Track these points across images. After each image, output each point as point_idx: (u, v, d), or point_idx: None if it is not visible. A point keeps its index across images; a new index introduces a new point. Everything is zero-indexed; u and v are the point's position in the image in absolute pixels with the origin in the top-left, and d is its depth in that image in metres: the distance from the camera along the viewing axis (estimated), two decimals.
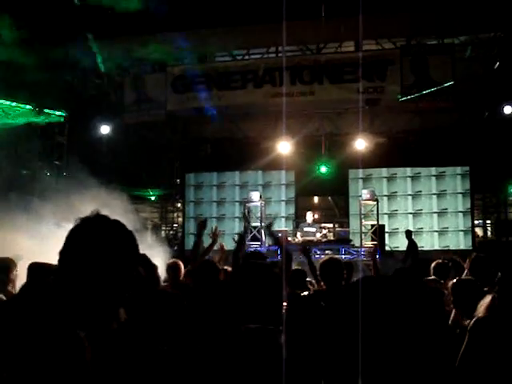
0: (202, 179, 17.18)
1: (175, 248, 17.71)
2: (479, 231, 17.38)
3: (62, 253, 1.81)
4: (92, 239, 1.80)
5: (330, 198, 17.67)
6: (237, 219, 16.66)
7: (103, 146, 15.10)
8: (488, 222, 17.54)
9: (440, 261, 6.66)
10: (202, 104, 14.26)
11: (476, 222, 16.81)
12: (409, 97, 12.98)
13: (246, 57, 14.79)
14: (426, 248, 15.53)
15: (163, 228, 19.40)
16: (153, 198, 17.60)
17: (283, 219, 16.60)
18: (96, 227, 1.83)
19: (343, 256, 12.97)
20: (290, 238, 13.87)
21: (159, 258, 7.12)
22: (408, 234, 12.41)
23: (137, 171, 15.69)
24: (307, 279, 6.62)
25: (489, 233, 17.63)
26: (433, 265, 6.55)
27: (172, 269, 6.86)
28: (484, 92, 13.59)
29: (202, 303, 4.81)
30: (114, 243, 1.82)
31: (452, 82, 12.57)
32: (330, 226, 15.65)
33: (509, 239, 15.77)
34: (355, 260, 12.82)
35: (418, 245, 15.56)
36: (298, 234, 14.13)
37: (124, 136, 14.96)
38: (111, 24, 12.00)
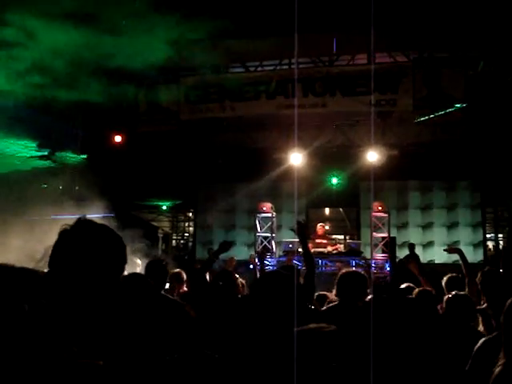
0: (213, 189, 17.26)
1: (186, 257, 17.78)
2: (491, 245, 17.32)
3: (50, 259, 1.79)
4: (79, 244, 1.80)
5: (341, 209, 17.67)
6: (246, 229, 16.70)
7: (116, 156, 15.19)
8: (500, 235, 17.48)
9: (452, 275, 6.56)
10: (214, 115, 14.34)
11: (488, 235, 16.76)
12: (423, 118, 13.00)
13: (259, 68, 14.86)
14: (437, 261, 15.49)
15: (174, 237, 19.49)
16: (164, 208, 17.66)
17: (293, 231, 16.60)
18: (82, 233, 1.83)
19: (353, 268, 12.97)
20: (300, 250, 13.87)
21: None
22: (410, 247, 12.42)
23: (149, 181, 15.77)
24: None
25: (500, 246, 17.54)
26: (445, 279, 6.46)
27: (175, 278, 6.92)
28: (496, 105, 13.56)
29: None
30: (101, 248, 1.81)
31: (465, 104, 12.58)
32: (341, 237, 15.69)
33: None
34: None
35: (429, 258, 15.62)
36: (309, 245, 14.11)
37: (137, 146, 15.05)
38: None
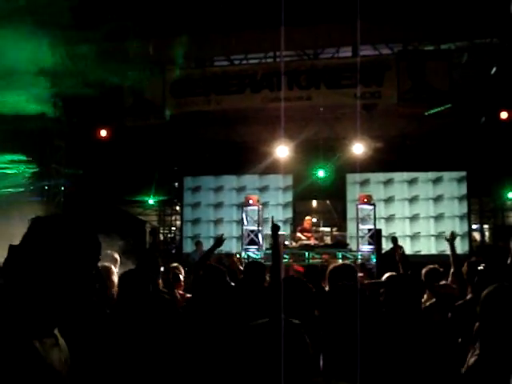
0: (199, 183, 17.26)
1: (173, 251, 17.81)
2: (476, 236, 17.43)
3: (13, 252, 1.79)
4: (46, 239, 1.79)
5: (328, 201, 17.72)
6: (234, 223, 16.72)
7: (102, 150, 15.14)
8: (485, 226, 17.59)
9: (431, 266, 6.58)
10: (200, 108, 14.31)
11: (473, 226, 16.86)
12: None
13: (244, 61, 14.83)
14: (423, 252, 15.61)
15: (161, 231, 19.47)
16: (151, 202, 17.64)
17: (281, 223, 16.65)
18: (50, 227, 1.82)
19: (340, 260, 13.03)
20: (287, 242, 13.94)
21: None
22: (393, 240, 12.58)
23: (135, 175, 15.75)
24: None
25: (486, 237, 17.67)
26: (424, 270, 6.49)
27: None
28: (480, 97, 13.64)
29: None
30: (68, 242, 1.80)
31: (449, 105, 12.65)
32: (328, 229, 15.73)
33: (506, 243, 15.78)
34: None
35: (416, 249, 15.73)
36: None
37: (122, 140, 15.00)
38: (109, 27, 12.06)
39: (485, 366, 3.14)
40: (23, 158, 13.85)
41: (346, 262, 6.20)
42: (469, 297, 5.16)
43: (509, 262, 6.62)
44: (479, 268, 5.42)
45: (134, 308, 3.97)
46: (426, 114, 13.23)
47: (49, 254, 1.76)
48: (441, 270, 6.57)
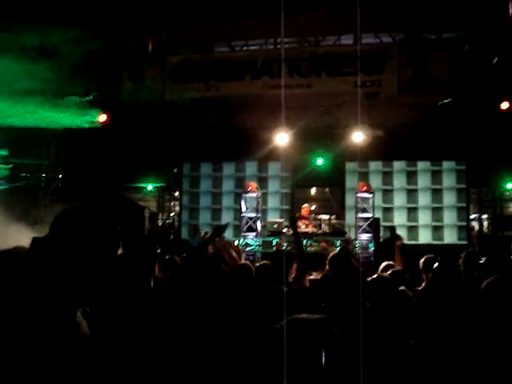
0: (198, 169, 17.24)
1: (171, 237, 17.80)
2: (475, 225, 17.44)
3: (48, 237, 1.98)
4: (75, 226, 1.97)
5: (327, 189, 17.68)
6: (232, 210, 16.71)
7: (100, 135, 15.10)
8: (484, 216, 17.59)
9: (429, 256, 6.55)
10: (200, 94, 14.26)
11: (472, 216, 16.87)
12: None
13: (245, 48, 14.76)
14: (421, 242, 15.62)
15: (160, 217, 19.45)
16: (150, 189, 17.60)
17: (279, 211, 16.67)
18: (78, 215, 2.01)
19: (337, 249, 13.04)
20: (285, 230, 13.94)
21: None
22: (391, 230, 12.62)
23: (134, 161, 15.72)
24: None
25: (484, 227, 17.67)
26: (422, 260, 6.47)
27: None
28: (481, 87, 13.58)
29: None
30: (95, 229, 1.98)
31: (450, 99, 12.63)
32: (326, 217, 15.70)
33: (504, 234, 15.83)
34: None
35: (414, 239, 15.73)
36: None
37: (121, 125, 14.95)
38: (108, 12, 12.01)
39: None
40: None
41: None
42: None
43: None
44: (480, 262, 5.41)
45: (132, 294, 3.98)
46: (440, 103, 13.20)
47: (78, 243, 1.94)
48: (438, 258, 6.55)
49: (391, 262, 6.50)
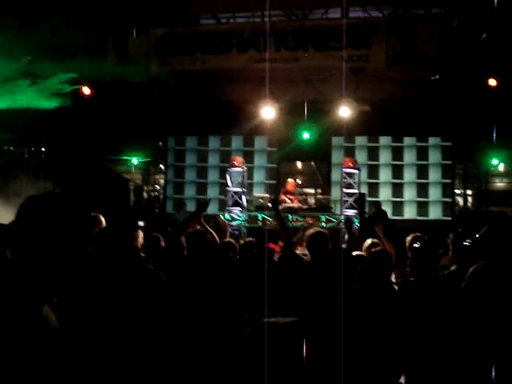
0: (183, 143, 17.10)
1: (156, 210, 17.72)
2: (460, 201, 17.52)
3: (12, 228, 1.89)
4: (41, 215, 1.85)
5: (312, 163, 17.65)
6: (218, 184, 16.63)
7: (84, 107, 14.90)
8: (469, 192, 17.68)
9: (416, 234, 6.48)
10: (185, 67, 14.07)
11: (457, 191, 16.93)
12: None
13: (231, 20, 14.55)
14: (406, 217, 15.68)
15: (145, 189, 19.35)
16: (135, 162, 17.46)
17: (265, 186, 16.63)
18: (45, 204, 1.89)
19: (323, 224, 13.06)
20: (270, 205, 13.90)
21: None
22: (377, 205, 12.67)
23: (118, 134, 15.55)
24: None
25: (469, 203, 17.77)
26: (409, 238, 6.39)
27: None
28: (469, 63, 13.51)
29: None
30: (62, 219, 1.87)
31: (437, 76, 12.57)
32: (312, 191, 15.67)
33: (488, 209, 15.92)
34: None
35: (399, 214, 15.78)
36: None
37: (105, 98, 14.75)
38: None
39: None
40: None
41: (321, 229, 6.19)
42: (453, 267, 5.18)
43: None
44: (464, 243, 5.37)
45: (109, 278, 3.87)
46: (432, 78, 13.14)
47: (43, 232, 1.83)
48: (425, 237, 6.47)
49: (376, 240, 6.46)
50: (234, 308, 4.70)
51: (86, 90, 14.39)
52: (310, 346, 1.85)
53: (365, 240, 6.80)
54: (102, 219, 6.33)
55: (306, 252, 5.94)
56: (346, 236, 7.93)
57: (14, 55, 12.12)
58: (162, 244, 6.72)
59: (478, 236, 6.36)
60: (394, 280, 5.77)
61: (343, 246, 7.06)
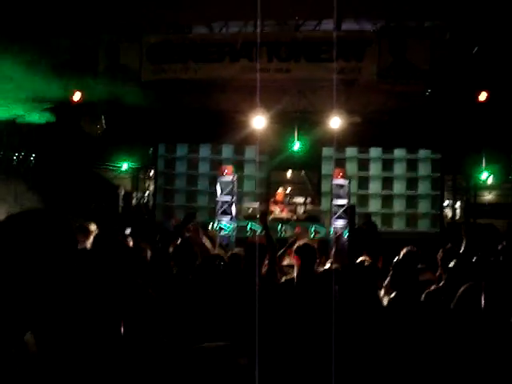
0: (174, 150, 17.07)
1: (146, 217, 17.67)
2: (449, 213, 17.61)
3: None
4: (20, 237, 1.73)
5: (303, 172, 17.68)
6: (207, 193, 16.60)
7: (75, 113, 14.86)
8: (458, 204, 17.78)
9: (411, 248, 6.42)
10: (177, 76, 14.04)
11: (446, 203, 17.02)
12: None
13: (224, 29, 14.56)
14: (396, 229, 15.72)
15: (135, 196, 19.31)
16: (125, 168, 17.42)
17: (255, 195, 16.62)
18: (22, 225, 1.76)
19: (312, 235, 13.06)
20: (258, 216, 13.91)
21: None
22: (366, 217, 12.73)
23: (108, 140, 15.51)
24: None
25: (457, 215, 17.87)
26: (403, 252, 6.34)
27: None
28: (460, 76, 13.57)
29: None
30: (43, 241, 1.74)
31: (429, 91, 12.63)
32: (302, 200, 15.69)
33: (476, 221, 16.00)
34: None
35: (388, 226, 15.83)
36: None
37: (97, 104, 14.70)
38: None
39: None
40: None
41: (309, 242, 6.19)
42: (442, 284, 5.18)
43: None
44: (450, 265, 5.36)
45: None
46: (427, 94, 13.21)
47: (21, 253, 1.70)
48: (419, 252, 6.41)
49: (367, 258, 6.45)
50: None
51: (77, 96, 14.31)
52: (239, 371, 1.81)
53: (354, 251, 6.80)
54: (93, 228, 6.31)
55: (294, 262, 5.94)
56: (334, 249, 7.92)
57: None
58: (149, 254, 6.71)
59: (461, 252, 6.40)
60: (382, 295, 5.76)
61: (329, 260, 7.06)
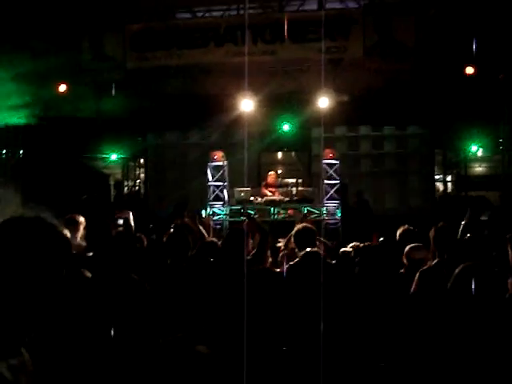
0: (163, 138, 17.00)
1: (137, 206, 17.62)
2: (440, 187, 17.67)
3: None
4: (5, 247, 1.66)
5: (293, 153, 17.65)
6: (198, 179, 16.53)
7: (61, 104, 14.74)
8: (449, 177, 17.83)
9: (406, 227, 6.42)
10: (162, 63, 13.94)
11: (436, 177, 17.07)
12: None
13: (207, 14, 14.43)
14: (387, 206, 15.76)
15: (126, 184, 19.27)
16: (114, 158, 17.35)
17: (246, 179, 16.56)
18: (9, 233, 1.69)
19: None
20: (252, 198, 13.90)
21: None
22: (359, 194, 12.71)
23: (96, 130, 15.42)
24: None
25: (449, 188, 17.93)
26: (399, 231, 6.35)
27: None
28: (446, 52, 13.54)
29: None
30: (30, 251, 1.67)
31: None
32: (293, 181, 15.68)
33: (468, 194, 16.07)
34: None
35: (380, 204, 15.85)
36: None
37: (82, 95, 14.58)
38: None
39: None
40: None
41: (308, 225, 6.16)
42: (435, 262, 5.19)
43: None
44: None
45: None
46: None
47: (10, 263, 1.63)
48: (416, 230, 6.42)
49: (358, 244, 6.48)
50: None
51: (62, 87, 14.19)
52: (198, 363, 1.82)
53: (348, 230, 6.83)
54: (82, 220, 6.28)
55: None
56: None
57: None
58: (145, 243, 6.72)
59: (462, 224, 6.42)
60: None
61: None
